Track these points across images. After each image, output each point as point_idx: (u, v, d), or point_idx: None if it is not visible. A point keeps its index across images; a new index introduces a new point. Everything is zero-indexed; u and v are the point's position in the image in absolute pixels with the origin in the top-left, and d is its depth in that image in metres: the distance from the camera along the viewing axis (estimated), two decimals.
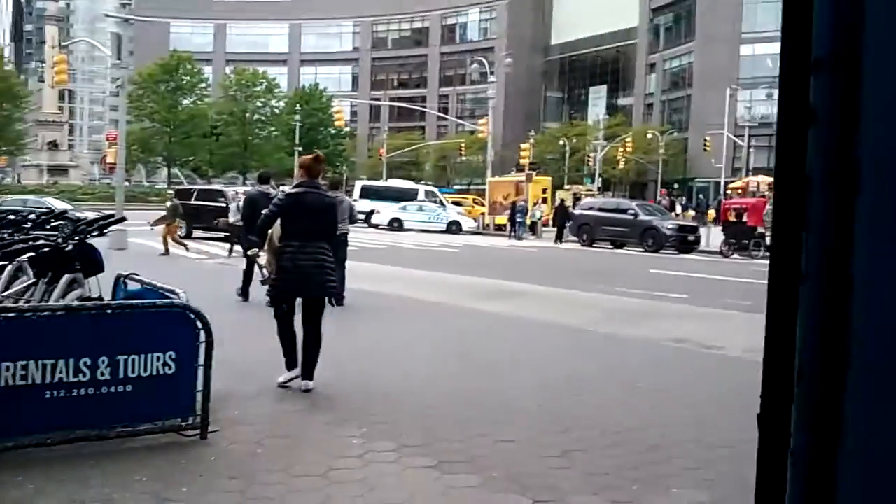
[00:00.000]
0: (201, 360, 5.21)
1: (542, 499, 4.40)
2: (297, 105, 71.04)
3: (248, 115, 70.87)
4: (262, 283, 9.76)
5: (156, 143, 67.25)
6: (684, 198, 55.43)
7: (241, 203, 14.97)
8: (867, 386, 0.81)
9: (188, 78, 68.79)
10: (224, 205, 21.72)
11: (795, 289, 0.85)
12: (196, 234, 24.36)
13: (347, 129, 76.49)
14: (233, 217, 17.98)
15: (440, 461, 4.96)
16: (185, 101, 68.72)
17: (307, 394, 6.49)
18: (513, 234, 32.23)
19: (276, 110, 74.68)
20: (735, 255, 24.65)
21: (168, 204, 21.11)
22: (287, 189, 7.88)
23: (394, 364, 7.87)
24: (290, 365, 6.72)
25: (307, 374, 6.60)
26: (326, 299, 7.20)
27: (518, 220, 32.33)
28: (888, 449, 0.81)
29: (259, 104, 72.62)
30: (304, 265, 6.44)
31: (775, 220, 0.90)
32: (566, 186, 50.81)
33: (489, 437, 5.50)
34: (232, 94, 71.28)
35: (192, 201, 25.21)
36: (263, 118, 73.06)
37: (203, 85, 70.95)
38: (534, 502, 4.35)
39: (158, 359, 5.09)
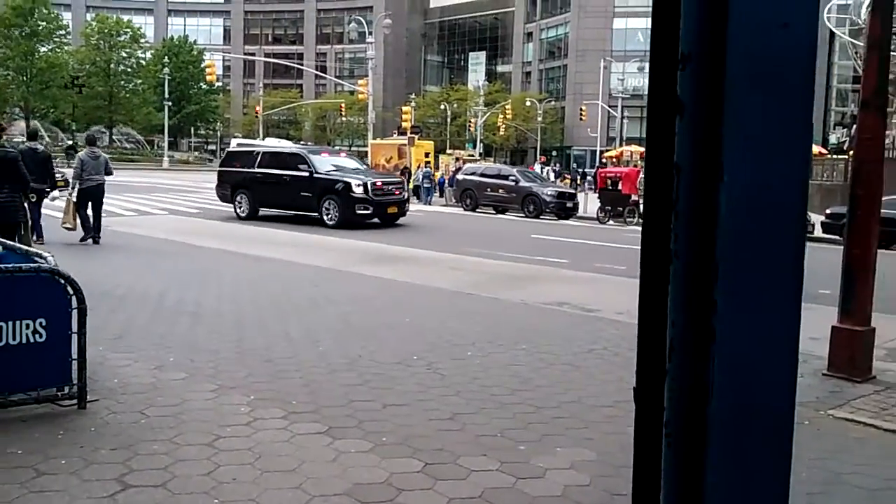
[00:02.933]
0: (75, 328, 4.94)
1: (433, 461, 4.45)
2: (165, 58, 67.76)
3: (112, 65, 66.95)
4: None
5: (11, 92, 62.52)
6: (558, 164, 56.85)
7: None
8: (730, 358, 0.88)
9: (44, 23, 64.07)
10: None
11: (666, 269, 0.91)
12: None
13: (220, 84, 73.70)
14: None
15: (330, 427, 4.93)
16: (43, 49, 64.06)
17: (192, 363, 6.30)
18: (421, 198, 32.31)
19: (143, 62, 70.98)
20: (610, 222, 25.53)
21: None
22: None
23: (275, 331, 7.73)
24: None
25: None
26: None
27: (426, 185, 32.51)
28: (751, 417, 0.89)
29: (124, 55, 68.68)
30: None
31: (646, 204, 0.95)
32: (448, 151, 51.02)
33: (378, 401, 5.50)
34: (94, 42, 67.04)
35: None
36: (129, 70, 69.23)
37: (62, 32, 66.32)
38: (425, 465, 4.39)
39: (28, 326, 4.79)
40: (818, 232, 23.01)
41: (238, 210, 21.68)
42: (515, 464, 4.48)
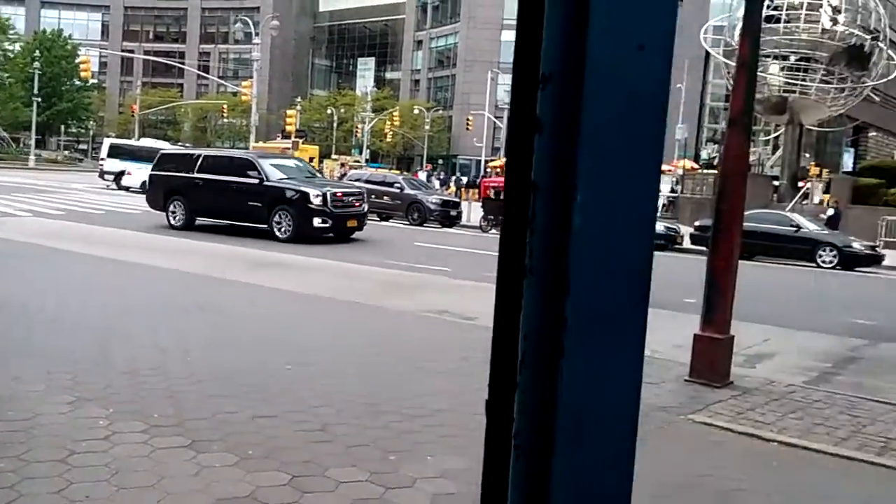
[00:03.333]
0: None
1: (300, 473, 4.36)
2: (36, 51, 64.19)
3: None
4: None
5: None
6: (443, 173, 57.37)
7: None
8: (577, 372, 0.90)
9: None
10: None
11: (520, 284, 0.93)
12: None
13: (95, 81, 70.43)
14: None
15: (194, 440, 4.75)
16: None
17: (49, 374, 5.94)
18: None
19: (11, 55, 66.97)
20: (493, 231, 25.95)
21: None
22: None
23: (143, 342, 7.41)
24: None
25: None
26: None
27: None
28: (596, 428, 0.92)
29: None
30: None
31: (505, 220, 0.98)
32: (334, 156, 50.53)
33: (244, 412, 5.35)
34: None
35: None
36: None
37: None
38: (292, 477, 4.30)
39: None
40: (687, 243, 24.19)
41: (171, 219, 19.42)
42: (385, 474, 4.45)
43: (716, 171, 32.37)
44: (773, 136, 41.65)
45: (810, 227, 23.00)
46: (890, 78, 38.66)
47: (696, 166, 44.68)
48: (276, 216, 18.15)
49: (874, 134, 64.69)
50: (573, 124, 0.87)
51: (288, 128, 43.18)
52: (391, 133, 61.34)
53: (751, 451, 5.22)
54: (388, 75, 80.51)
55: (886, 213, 29.91)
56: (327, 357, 7.17)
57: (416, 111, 65.27)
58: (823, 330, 10.48)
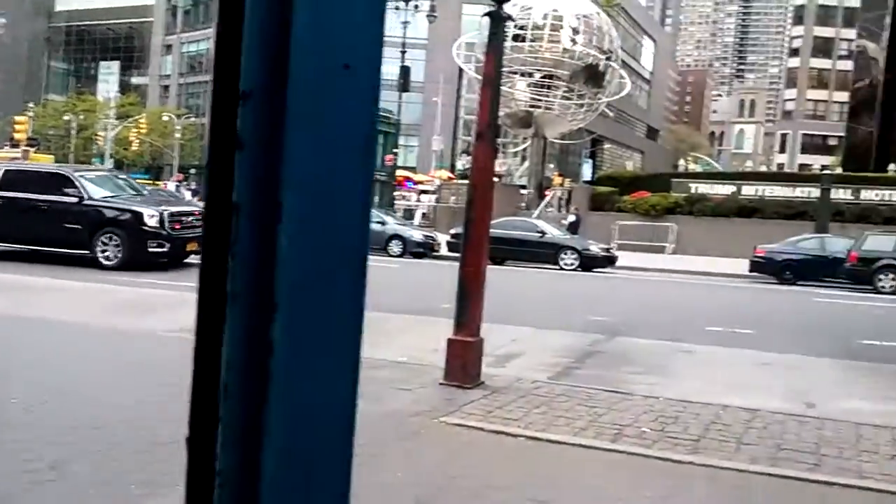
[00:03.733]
0: None
1: None
2: None
3: None
4: None
5: None
6: (194, 183, 54.90)
7: None
8: (286, 400, 0.86)
9: None
10: None
11: (223, 310, 0.88)
12: None
13: None
14: None
15: None
16: None
17: None
18: None
19: None
20: None
21: None
22: None
23: None
24: None
25: None
26: None
27: None
28: (307, 458, 0.88)
29: None
30: None
31: (205, 243, 0.93)
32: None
33: None
34: None
35: None
36: None
37: None
38: None
39: None
40: (444, 251, 25.11)
41: None
42: None
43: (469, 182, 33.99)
44: (521, 147, 44.44)
45: (554, 232, 24.80)
46: (621, 95, 42.80)
47: (452, 176, 46.58)
48: (101, 240, 15.60)
49: (609, 146, 71.45)
50: (276, 142, 0.84)
51: (17, 135, 39.21)
52: (138, 141, 57.81)
53: (500, 448, 5.45)
54: (135, 80, 75.88)
55: (619, 218, 32.99)
56: (56, 385, 6.51)
57: (165, 118, 62.08)
58: (566, 328, 11.27)
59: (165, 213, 16.02)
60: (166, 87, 73.11)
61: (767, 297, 18.64)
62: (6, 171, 16.91)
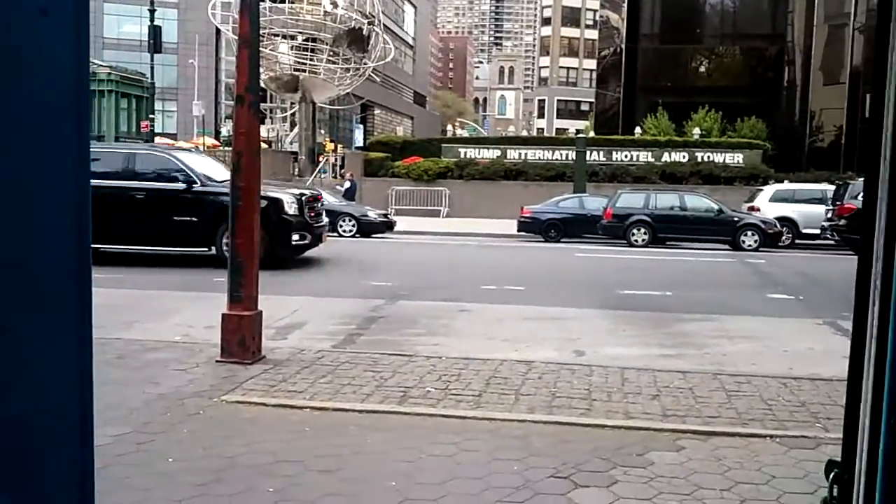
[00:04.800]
0: None
1: None
2: None
3: None
4: None
5: None
6: None
7: None
8: None
9: None
10: None
11: None
12: None
13: None
14: None
15: None
16: None
17: None
18: None
19: None
20: None
21: None
22: None
23: None
24: None
25: None
26: None
27: None
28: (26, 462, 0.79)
29: None
30: None
31: None
32: None
33: None
34: None
35: None
36: None
37: None
38: None
39: None
40: None
41: None
42: None
43: None
44: (289, 113, 43.49)
45: (330, 199, 24.55)
46: (387, 60, 43.06)
47: (217, 143, 44.61)
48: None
49: (379, 112, 71.89)
50: None
51: None
52: None
53: (285, 422, 5.25)
54: None
55: (395, 183, 33.39)
56: None
57: None
58: (348, 295, 11.20)
59: (302, 198, 13.80)
60: None
61: (535, 255, 19.73)
62: None
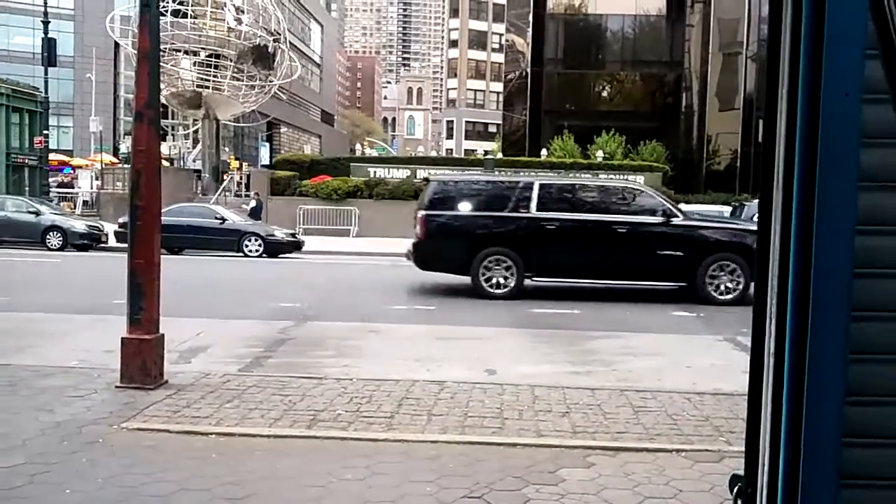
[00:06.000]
0: None
1: None
2: None
3: None
4: None
5: None
6: None
7: None
8: None
9: None
10: None
11: None
12: None
13: None
14: None
15: None
16: None
17: None
18: None
19: None
20: None
21: None
22: None
23: None
24: None
25: None
26: None
27: None
28: None
29: None
30: None
31: None
32: None
33: None
34: None
35: None
36: None
37: None
38: None
39: None
40: (112, 241, 23.24)
41: (483, 282, 13.42)
42: None
43: None
44: (192, 130, 42.47)
45: (235, 218, 24.04)
46: (293, 78, 42.61)
47: (116, 160, 43.11)
48: (711, 272, 13.12)
49: (286, 130, 71.02)
50: None
51: None
52: None
53: (190, 449, 5.08)
54: None
55: (301, 202, 32.96)
56: None
57: None
58: (255, 317, 10.95)
59: None
60: None
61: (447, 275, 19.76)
62: (542, 185, 13.74)
